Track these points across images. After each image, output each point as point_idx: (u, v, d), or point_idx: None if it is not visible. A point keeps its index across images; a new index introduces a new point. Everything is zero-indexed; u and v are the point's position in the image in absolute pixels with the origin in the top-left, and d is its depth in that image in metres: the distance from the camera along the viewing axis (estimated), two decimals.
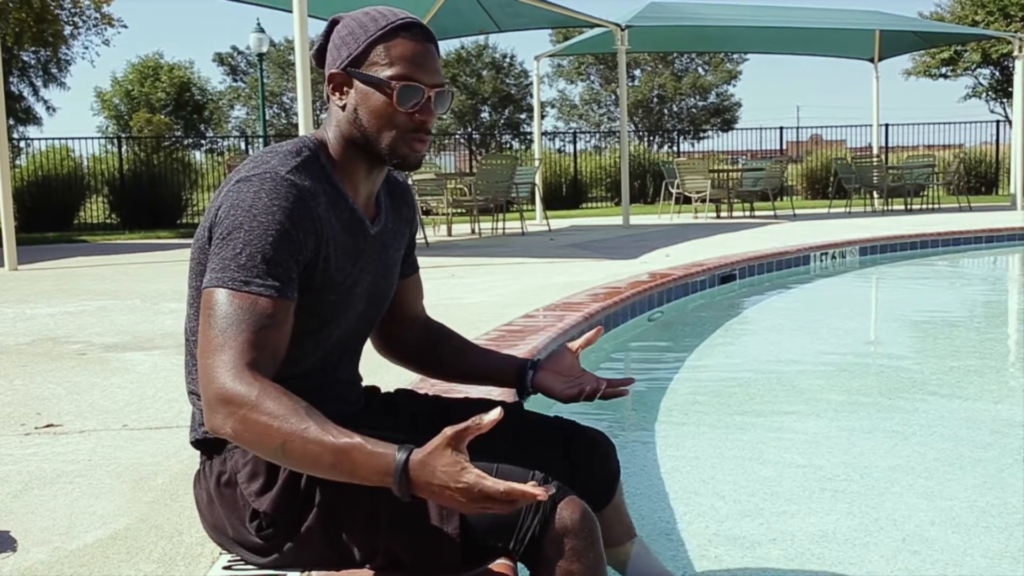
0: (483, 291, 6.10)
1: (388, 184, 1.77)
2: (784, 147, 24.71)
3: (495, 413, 1.33)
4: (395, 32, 1.57)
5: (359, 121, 1.58)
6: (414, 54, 1.56)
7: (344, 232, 1.60)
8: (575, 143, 22.60)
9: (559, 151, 23.49)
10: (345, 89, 1.60)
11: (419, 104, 1.57)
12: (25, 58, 23.94)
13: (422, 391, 1.92)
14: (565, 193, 20.35)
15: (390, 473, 1.33)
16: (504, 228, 12.60)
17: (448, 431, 1.32)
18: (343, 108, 1.60)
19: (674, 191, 15.10)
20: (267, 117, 26.65)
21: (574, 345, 1.80)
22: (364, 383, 1.81)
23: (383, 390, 1.87)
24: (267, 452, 1.40)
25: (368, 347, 1.84)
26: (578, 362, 1.79)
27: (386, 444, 1.35)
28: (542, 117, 17.45)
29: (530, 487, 1.30)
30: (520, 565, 1.53)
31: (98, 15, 20.45)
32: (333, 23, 1.62)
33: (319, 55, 1.64)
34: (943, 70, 29.66)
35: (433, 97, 1.58)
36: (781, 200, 17.67)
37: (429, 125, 1.59)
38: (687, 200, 15.41)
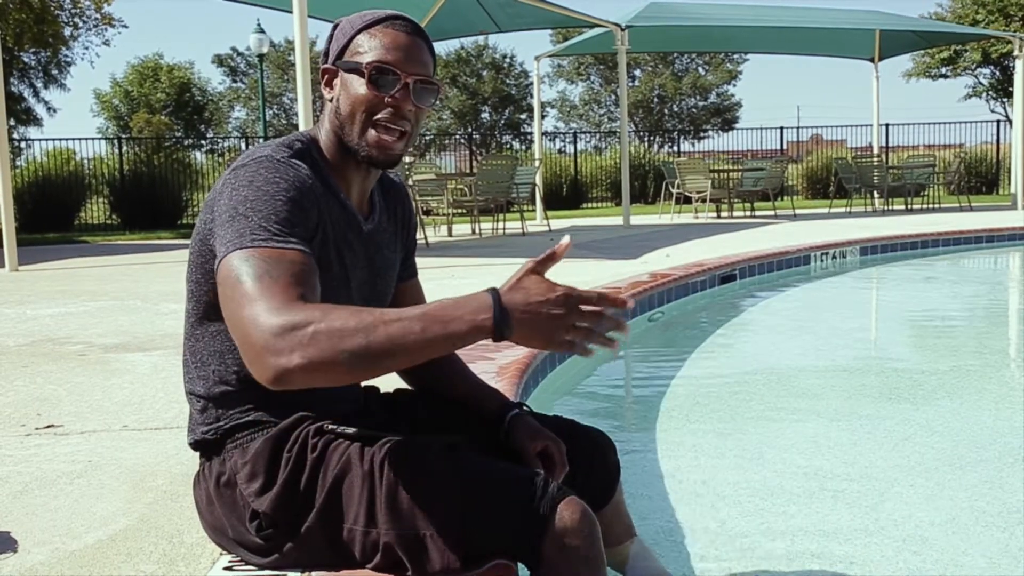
0: None
1: (383, 184, 1.78)
2: (784, 147, 24.71)
3: (567, 239, 1.34)
4: (379, 22, 1.59)
5: (339, 109, 1.60)
6: (394, 42, 1.58)
7: (339, 220, 1.61)
8: (575, 143, 22.64)
9: (559, 151, 23.52)
10: (333, 82, 1.62)
11: (393, 90, 1.57)
12: (25, 59, 23.94)
13: None
14: (565, 193, 20.35)
15: (487, 308, 1.28)
16: (504, 228, 12.60)
17: (528, 262, 1.33)
18: (331, 100, 1.62)
19: (674, 191, 15.09)
20: (267, 118, 26.64)
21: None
22: (363, 383, 1.81)
23: (382, 390, 1.87)
24: (349, 358, 1.28)
25: None
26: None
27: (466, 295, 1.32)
28: (542, 117, 17.44)
29: (617, 294, 1.33)
30: (520, 565, 1.52)
31: (98, 15, 20.45)
32: (335, 27, 1.64)
33: (325, 58, 1.67)
34: (943, 69, 29.66)
35: (411, 85, 1.57)
36: (781, 200, 17.67)
37: (403, 111, 1.58)
38: (687, 200, 15.40)
